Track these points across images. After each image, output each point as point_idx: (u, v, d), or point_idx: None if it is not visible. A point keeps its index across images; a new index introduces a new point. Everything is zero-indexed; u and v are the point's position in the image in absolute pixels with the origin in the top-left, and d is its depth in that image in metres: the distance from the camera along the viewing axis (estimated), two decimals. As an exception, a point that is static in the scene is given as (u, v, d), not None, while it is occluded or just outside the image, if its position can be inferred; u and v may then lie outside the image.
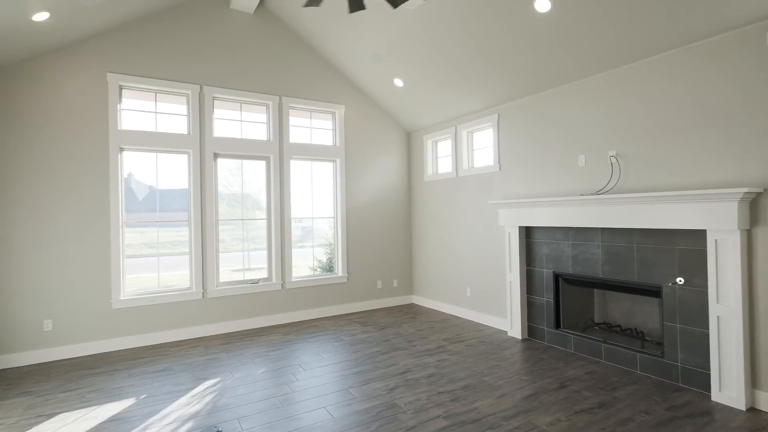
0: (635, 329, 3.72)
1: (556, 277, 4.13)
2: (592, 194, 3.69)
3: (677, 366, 3.18)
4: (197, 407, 2.95)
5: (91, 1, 3.49)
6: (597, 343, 3.74)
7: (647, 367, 3.37)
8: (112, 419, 2.79)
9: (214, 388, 3.28)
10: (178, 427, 2.66)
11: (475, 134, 5.30)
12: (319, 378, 3.44)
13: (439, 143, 5.90)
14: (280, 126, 5.21)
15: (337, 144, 5.66)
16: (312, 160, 5.52)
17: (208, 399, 3.08)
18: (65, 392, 3.25)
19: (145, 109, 4.51)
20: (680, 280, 3.14)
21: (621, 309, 3.95)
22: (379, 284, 5.95)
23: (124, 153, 4.38)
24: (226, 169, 5.00)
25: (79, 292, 4.07)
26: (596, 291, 4.18)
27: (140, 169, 4.51)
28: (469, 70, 4.36)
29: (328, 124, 5.69)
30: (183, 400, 3.07)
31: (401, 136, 6.21)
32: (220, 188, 4.97)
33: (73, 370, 3.71)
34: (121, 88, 4.35)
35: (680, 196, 2.95)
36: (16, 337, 3.82)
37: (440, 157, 5.88)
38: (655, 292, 3.38)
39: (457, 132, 5.39)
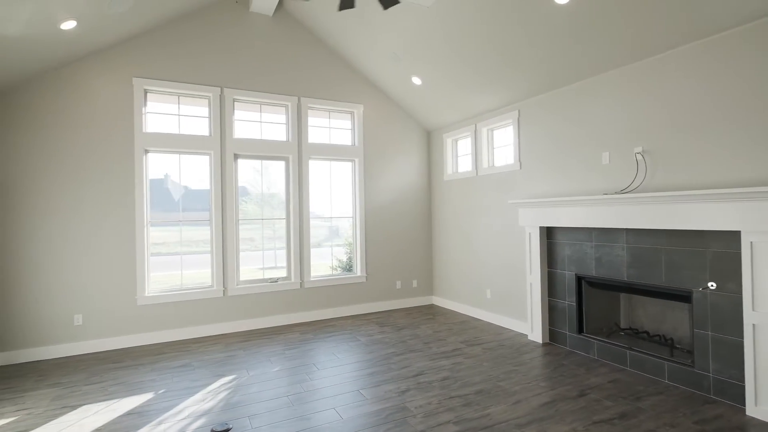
0: (664, 336, 3.52)
1: (579, 279, 3.96)
2: (616, 193, 3.51)
3: (708, 376, 2.97)
4: (211, 404, 3.00)
5: (116, 8, 3.62)
6: (622, 349, 3.56)
7: (676, 376, 3.17)
8: (130, 413, 2.88)
9: (229, 385, 3.33)
10: (190, 423, 2.71)
11: (495, 132, 5.17)
12: (332, 378, 3.44)
13: (459, 141, 5.79)
14: (298, 126, 5.25)
15: (356, 144, 5.66)
16: (331, 160, 5.53)
17: (222, 396, 3.13)
18: (90, 385, 3.39)
19: (169, 112, 4.64)
20: (712, 285, 2.93)
21: (649, 314, 3.74)
22: (399, 284, 5.90)
23: (149, 155, 4.53)
24: (252, 169, 5.10)
25: (107, 289, 4.24)
26: (622, 295, 3.98)
27: (166, 170, 4.66)
28: (487, 66, 4.25)
29: (347, 123, 5.69)
30: (198, 396, 3.14)
31: (421, 134, 6.14)
32: (249, 188, 5.08)
33: (100, 363, 3.87)
34: (146, 91, 4.50)
35: (712, 194, 2.75)
36: (49, 331, 4.02)
37: (460, 156, 5.78)
38: (684, 297, 3.18)
39: (477, 130, 5.27)
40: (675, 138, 3.18)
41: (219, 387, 3.29)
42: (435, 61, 4.55)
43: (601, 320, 3.96)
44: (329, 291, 5.41)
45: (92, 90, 4.22)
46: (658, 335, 3.56)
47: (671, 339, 3.42)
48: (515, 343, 4.26)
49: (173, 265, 4.71)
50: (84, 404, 3.03)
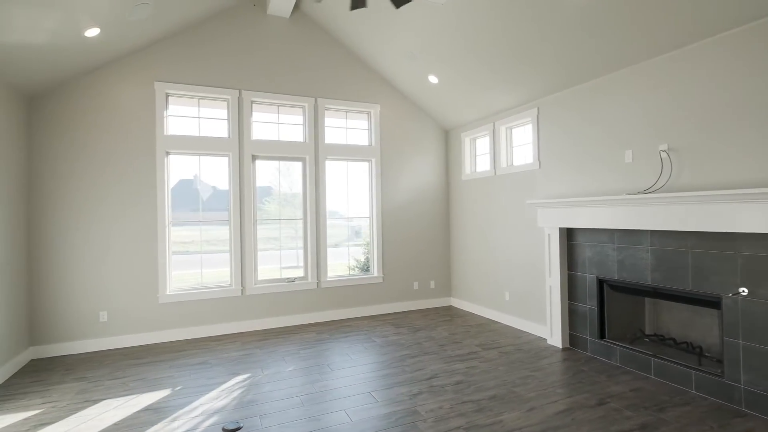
0: (691, 343, 3.34)
1: (600, 282, 3.81)
2: (639, 193, 3.36)
3: (740, 388, 2.80)
4: (224, 402, 3.05)
5: (137, 14, 3.73)
6: (646, 356, 3.40)
7: (704, 386, 3.00)
8: (147, 408, 2.95)
9: (244, 383, 3.38)
10: (203, 421, 2.76)
11: (514, 130, 5.04)
12: (345, 379, 3.43)
13: (477, 140, 5.69)
14: (315, 127, 5.28)
15: (373, 143, 5.64)
16: (347, 160, 5.54)
17: (235, 394, 3.17)
18: (113, 380, 3.50)
19: (189, 115, 4.75)
20: (743, 291, 2.76)
21: (676, 320, 3.56)
22: (416, 285, 5.85)
23: (170, 156, 4.65)
24: (276, 169, 5.18)
25: (131, 287, 4.38)
26: (647, 299, 3.80)
27: (195, 171, 4.78)
28: (503, 63, 4.14)
29: (364, 123, 5.68)
30: (213, 393, 3.20)
31: (438, 133, 6.06)
32: (273, 188, 5.17)
33: (123, 359, 4.00)
34: (167, 95, 4.62)
35: (744, 195, 2.58)
36: (76, 327, 4.19)
37: (478, 155, 5.67)
38: (713, 303, 3.01)
39: (495, 128, 5.16)
40: (703, 135, 3.01)
41: (233, 385, 3.34)
42: (451, 59, 4.48)
43: (624, 325, 3.80)
44: (346, 291, 5.42)
45: (116, 94, 4.36)
46: (686, 342, 3.38)
47: (699, 347, 3.25)
48: (533, 347, 4.14)
49: (197, 263, 4.83)
50: (105, 399, 3.14)
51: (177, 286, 4.68)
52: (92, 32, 3.62)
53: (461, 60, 4.41)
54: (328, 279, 5.33)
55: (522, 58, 3.95)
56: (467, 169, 5.76)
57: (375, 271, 5.63)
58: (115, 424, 2.75)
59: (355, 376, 3.49)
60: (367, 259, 5.78)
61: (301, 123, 5.30)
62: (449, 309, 5.83)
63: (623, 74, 3.58)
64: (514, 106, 4.79)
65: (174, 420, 2.78)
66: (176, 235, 4.73)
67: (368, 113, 5.68)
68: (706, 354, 3.23)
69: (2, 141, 3.57)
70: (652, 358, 3.35)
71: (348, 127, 5.57)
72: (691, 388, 3.08)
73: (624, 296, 3.80)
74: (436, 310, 5.76)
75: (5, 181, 3.62)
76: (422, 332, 4.72)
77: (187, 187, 4.82)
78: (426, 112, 5.94)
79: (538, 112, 4.49)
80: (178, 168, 4.74)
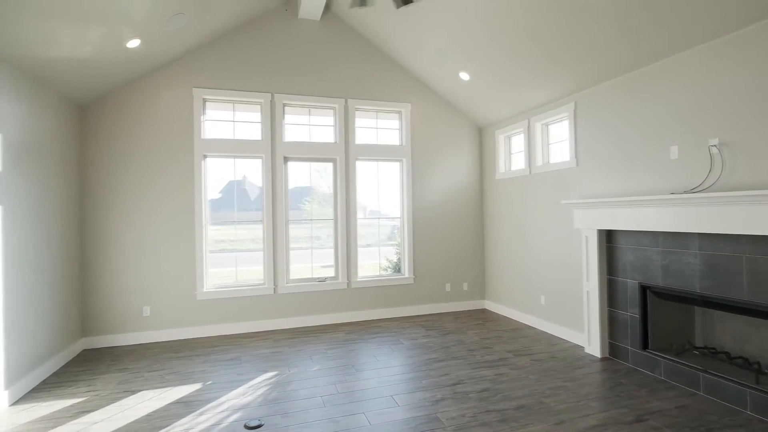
0: (747, 359, 3.01)
1: (643, 289, 3.53)
2: (686, 192, 3.07)
3: (804, 411, 2.49)
4: (250, 398, 3.12)
5: (174, 24, 3.91)
6: (695, 370, 3.11)
7: (761, 407, 2.70)
8: (178, 401, 3.09)
9: (270, 381, 3.45)
10: (228, 416, 2.85)
11: (550, 126, 4.80)
12: (368, 381, 3.42)
13: (512, 138, 5.48)
14: (346, 128, 5.30)
15: (404, 143, 5.58)
16: (378, 160, 5.52)
17: (261, 391, 3.25)
18: (151, 372, 3.70)
19: (224, 119, 4.93)
20: (808, 302, 2.45)
21: (731, 332, 3.23)
22: (448, 287, 5.73)
23: (207, 159, 4.84)
24: (314, 170, 5.29)
25: (171, 284, 4.62)
26: (697, 308, 3.48)
27: (237, 172, 4.97)
28: (536, 57, 3.94)
29: (395, 123, 5.64)
30: (240, 389, 3.29)
31: (472, 131, 5.90)
32: (314, 188, 5.30)
33: (162, 352, 4.22)
34: (204, 100, 4.82)
35: (806, 194, 2.29)
36: (122, 321, 4.47)
37: (513, 153, 5.46)
38: (773, 315, 2.70)
39: (530, 125, 4.94)
40: (760, 128, 2.70)
41: (260, 382, 3.42)
42: (482, 55, 4.34)
43: (670, 336, 3.50)
44: (376, 292, 5.41)
45: (156, 101, 4.60)
46: (741, 357, 3.06)
47: (757, 363, 2.92)
48: (569, 355, 3.92)
49: (233, 262, 5.01)
50: (143, 390, 3.31)
51: (214, 283, 4.88)
52: (133, 43, 3.83)
53: (492, 55, 4.25)
54: (358, 279, 5.34)
55: (554, 51, 3.75)
56: (501, 167, 5.56)
57: (406, 271, 5.58)
58: (147, 414, 2.89)
59: (379, 379, 3.47)
60: (399, 260, 5.74)
61: (332, 124, 5.35)
62: (483, 312, 5.67)
63: (670, 62, 3.29)
64: (549, 101, 4.56)
65: (201, 414, 2.89)
66: (218, 234, 4.93)
67: (399, 113, 5.63)
68: (766, 371, 2.90)
69: (59, 148, 3.88)
70: (702, 373, 3.06)
71: (378, 127, 5.55)
72: (746, 408, 2.78)
73: (670, 304, 3.50)
74: (469, 313, 5.61)
75: (61, 186, 3.92)
76: (452, 336, 4.61)
77: (237, 188, 5.04)
78: (458, 110, 5.80)
79: (575, 107, 4.24)
80: (226, 170, 4.94)
